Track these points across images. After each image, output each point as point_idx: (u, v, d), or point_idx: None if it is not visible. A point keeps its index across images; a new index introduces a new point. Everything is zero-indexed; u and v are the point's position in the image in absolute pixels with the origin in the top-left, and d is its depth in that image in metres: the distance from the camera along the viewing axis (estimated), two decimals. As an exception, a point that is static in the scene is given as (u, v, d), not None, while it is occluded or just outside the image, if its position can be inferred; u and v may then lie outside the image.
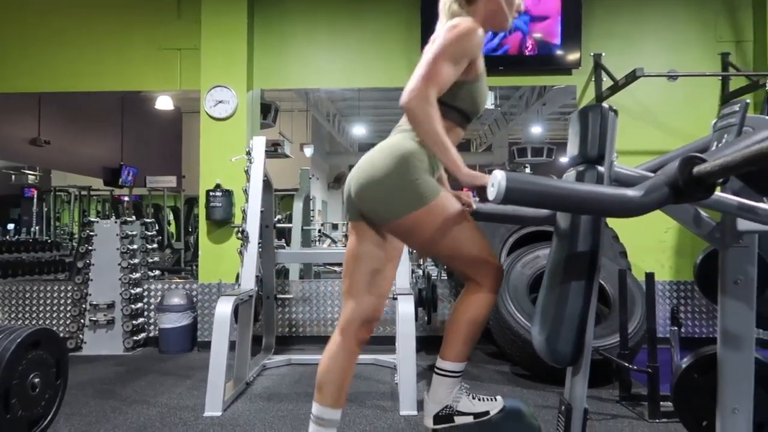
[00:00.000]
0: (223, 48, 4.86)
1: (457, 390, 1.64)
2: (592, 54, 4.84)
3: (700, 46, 4.90)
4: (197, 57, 4.91)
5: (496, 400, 1.66)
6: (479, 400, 1.65)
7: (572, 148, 1.64)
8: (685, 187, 1.20)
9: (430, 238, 1.66)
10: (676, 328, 3.31)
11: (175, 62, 5.05)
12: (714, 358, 1.66)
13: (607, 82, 4.71)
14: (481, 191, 1.59)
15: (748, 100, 1.59)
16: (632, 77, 4.24)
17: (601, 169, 1.55)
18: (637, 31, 4.96)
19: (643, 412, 3.03)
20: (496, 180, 1.18)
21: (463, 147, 16.96)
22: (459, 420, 1.62)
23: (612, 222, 4.36)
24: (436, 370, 1.66)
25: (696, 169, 1.20)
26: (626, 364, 3.15)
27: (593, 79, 4.86)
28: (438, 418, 1.63)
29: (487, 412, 1.62)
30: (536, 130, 12.91)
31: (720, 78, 4.82)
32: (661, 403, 2.97)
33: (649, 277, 3.10)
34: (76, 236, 11.09)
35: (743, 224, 1.50)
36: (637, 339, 3.56)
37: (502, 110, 12.48)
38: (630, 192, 1.24)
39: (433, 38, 1.71)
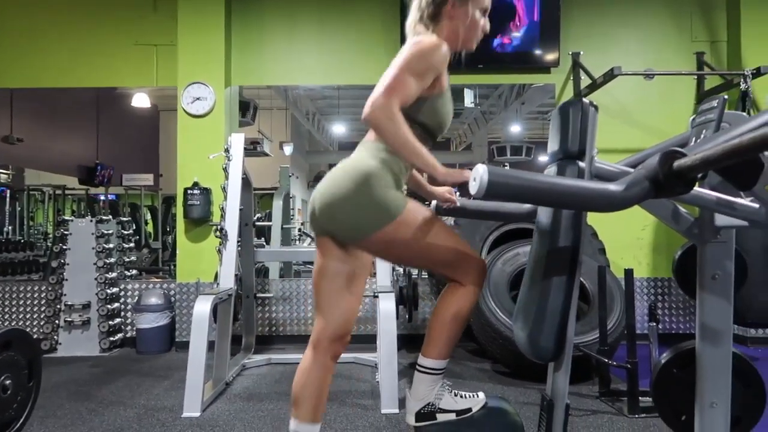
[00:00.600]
0: (201, 44, 4.80)
1: (439, 387, 1.63)
2: (570, 53, 4.88)
3: (676, 46, 4.97)
4: (174, 53, 4.85)
5: (478, 396, 1.65)
6: (461, 397, 1.64)
7: (553, 144, 1.64)
8: (665, 181, 1.20)
9: (404, 251, 1.66)
10: (654, 324, 3.35)
11: (152, 58, 4.98)
12: (692, 353, 1.68)
13: (585, 81, 4.76)
14: (461, 187, 1.58)
15: (726, 96, 1.61)
16: (610, 76, 4.28)
17: (581, 164, 1.55)
18: (614, 31, 5.01)
19: (623, 407, 3.06)
20: (478, 174, 1.17)
21: (443, 146, 17.01)
22: (441, 417, 1.61)
23: (590, 219, 4.39)
24: (417, 367, 1.65)
25: (676, 164, 1.20)
26: (606, 360, 3.17)
27: (572, 78, 4.90)
28: (420, 416, 1.61)
29: (470, 409, 1.62)
30: (515, 129, 12.99)
31: (695, 77, 4.89)
32: (641, 398, 3.00)
33: (628, 273, 3.13)
34: (51, 236, 10.88)
35: (721, 219, 1.51)
36: (616, 335, 3.59)
37: (481, 109, 12.53)
38: (611, 186, 1.24)
39: (402, 49, 1.69)
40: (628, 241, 4.85)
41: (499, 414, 1.65)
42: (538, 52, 4.90)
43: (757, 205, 1.40)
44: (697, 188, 1.64)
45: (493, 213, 2.02)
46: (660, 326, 4.71)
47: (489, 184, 1.16)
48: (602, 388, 3.28)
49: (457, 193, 1.93)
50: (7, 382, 2.07)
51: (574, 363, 3.50)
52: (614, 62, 4.36)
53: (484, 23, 1.76)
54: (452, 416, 1.61)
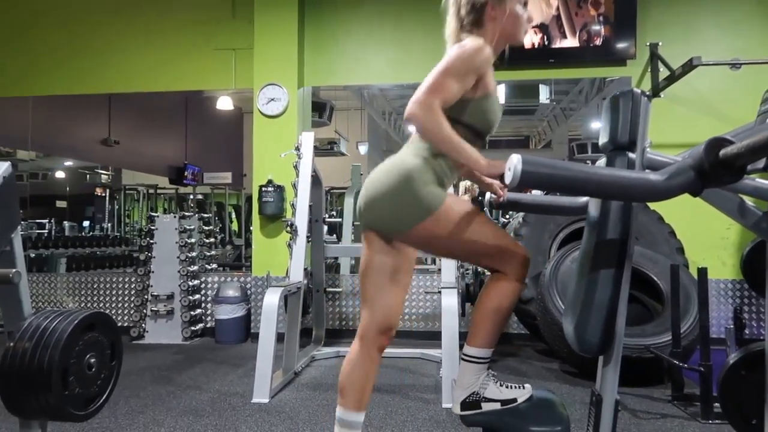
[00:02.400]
0: (275, 47, 4.99)
1: (485, 377, 1.64)
2: (648, 44, 4.68)
3: (765, 32, 4.64)
4: (251, 56, 5.07)
5: (524, 388, 1.65)
6: (507, 387, 1.64)
7: (603, 135, 1.61)
8: (711, 170, 1.17)
9: (445, 243, 1.69)
10: (732, 326, 3.18)
11: (230, 61, 5.23)
12: (762, 355, 1.60)
13: (663, 73, 4.54)
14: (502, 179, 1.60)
15: (792, 82, 1.52)
16: (689, 66, 4.07)
17: (631, 155, 1.52)
18: (695, 19, 4.75)
19: (696, 412, 2.92)
20: (512, 164, 1.18)
21: (522, 143, 16.70)
22: (486, 406, 1.62)
23: (669, 218, 4.21)
24: (462, 356, 1.67)
25: (723, 152, 1.16)
26: (677, 363, 3.04)
27: (649, 70, 4.70)
28: (465, 405, 1.63)
29: (515, 400, 1.62)
30: (596, 125, 12.54)
31: (788, 65, 4.56)
32: (715, 403, 2.85)
33: (702, 272, 2.98)
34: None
35: (790, 212, 1.43)
36: (692, 338, 3.42)
37: (561, 106, 12.20)
38: (653, 176, 1.22)
39: (443, 59, 1.71)
40: (712, 240, 4.60)
41: (545, 406, 1.64)
42: (612, 44, 4.73)
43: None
44: (761, 180, 1.57)
45: (547, 206, 2.01)
46: (746, 332, 4.44)
47: (522, 173, 1.17)
48: (675, 391, 3.15)
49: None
50: (92, 360, 2.26)
51: (646, 365, 3.40)
52: (695, 52, 4.14)
53: (528, 14, 1.75)
54: (497, 406, 1.61)
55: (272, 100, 4.93)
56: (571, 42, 4.77)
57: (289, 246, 3.87)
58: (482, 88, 1.70)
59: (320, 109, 7.87)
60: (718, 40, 4.69)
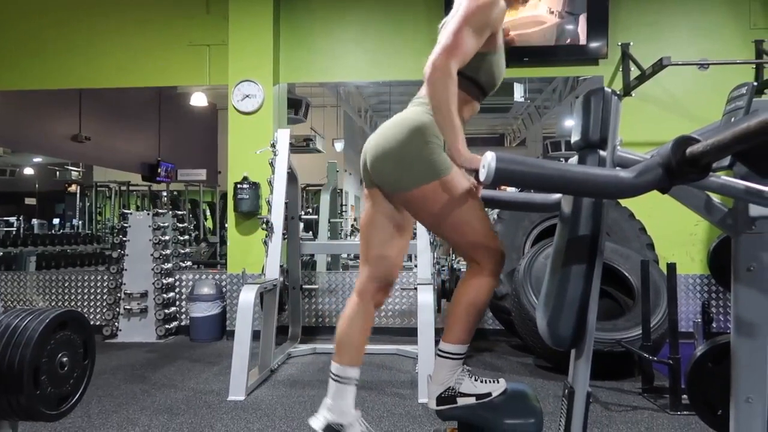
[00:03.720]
0: (250, 43, 4.96)
1: (460, 372, 1.66)
2: (619, 44, 4.77)
3: (732, 34, 4.77)
4: (225, 52, 5.03)
5: (498, 382, 1.67)
6: (482, 381, 1.66)
7: (575, 133, 1.64)
8: (677, 167, 1.20)
9: (438, 213, 1.68)
10: (699, 320, 3.27)
11: (204, 57, 5.18)
12: (728, 347, 1.65)
13: (635, 72, 4.63)
14: (476, 176, 1.62)
15: (756, 83, 1.57)
16: (659, 66, 4.16)
17: (602, 153, 1.55)
18: (666, 19, 4.85)
19: (665, 404, 3.00)
20: (486, 161, 1.20)
21: (497, 141, 16.84)
22: (461, 401, 1.64)
23: (639, 213, 4.29)
24: (438, 352, 1.69)
25: (689, 150, 1.19)
26: (647, 356, 3.11)
27: (621, 70, 4.78)
28: (441, 400, 1.65)
29: (490, 394, 1.64)
30: (570, 123, 12.72)
31: (754, 66, 4.68)
32: (683, 395, 2.93)
33: (671, 267, 3.05)
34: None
35: (756, 210, 1.47)
36: (662, 332, 3.50)
37: (535, 104, 12.33)
38: (622, 173, 1.25)
39: (456, 5, 1.70)
40: (681, 237, 4.71)
41: (519, 399, 1.67)
42: (585, 43, 4.80)
43: (789, 194, 1.37)
44: (726, 177, 1.61)
45: (521, 203, 2.04)
46: (714, 325, 4.55)
47: (496, 170, 1.19)
48: (645, 384, 3.22)
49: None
50: (64, 359, 2.24)
51: (617, 359, 3.47)
52: (665, 52, 4.23)
53: None
54: (472, 400, 1.63)
55: (247, 96, 4.90)
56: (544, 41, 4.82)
57: (265, 243, 3.86)
58: (492, 43, 1.70)
59: (296, 106, 7.83)
60: (687, 41, 4.79)
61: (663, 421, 2.80)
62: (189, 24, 5.21)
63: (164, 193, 12.47)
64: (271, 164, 3.99)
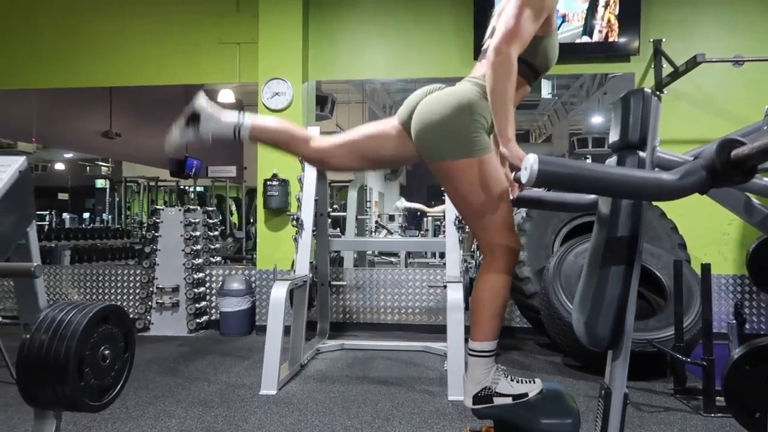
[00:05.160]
0: (280, 41, 5.01)
1: (495, 371, 1.68)
2: (651, 40, 4.70)
3: (766, 29, 4.66)
4: (255, 50, 5.08)
5: (534, 382, 1.68)
6: (518, 382, 1.67)
7: (614, 134, 1.64)
8: (722, 170, 1.20)
9: (466, 192, 1.70)
10: (734, 321, 3.22)
11: (234, 55, 5.24)
12: (766, 350, 1.64)
13: (667, 69, 4.56)
14: (514, 175, 1.63)
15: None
16: (693, 63, 4.10)
17: (642, 154, 1.55)
18: (698, 15, 4.77)
19: (698, 405, 2.96)
20: (528, 163, 1.20)
21: (523, 138, 16.70)
22: (498, 401, 1.65)
23: (671, 213, 4.24)
24: (468, 351, 1.70)
25: (734, 152, 1.19)
26: (680, 357, 3.09)
27: (653, 66, 4.72)
28: (477, 399, 1.66)
29: (526, 394, 1.65)
30: (597, 120, 12.56)
31: (791, 62, 4.58)
32: (717, 397, 2.90)
33: (705, 268, 3.01)
34: (145, 225, 11.65)
35: (796, 211, 1.46)
36: (694, 333, 3.46)
37: (562, 100, 12.21)
38: (665, 175, 1.25)
39: None
40: (713, 236, 4.64)
41: (556, 399, 1.68)
42: (616, 39, 4.75)
43: (829, 196, 1.36)
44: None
45: (554, 203, 2.03)
46: (747, 326, 4.48)
47: (539, 173, 1.20)
48: (677, 385, 3.19)
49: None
50: (106, 352, 2.30)
51: (648, 359, 3.45)
52: (698, 49, 4.17)
53: None
54: (508, 400, 1.64)
55: (277, 94, 4.95)
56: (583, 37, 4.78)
57: (295, 240, 3.90)
58: (548, 26, 1.72)
59: (322, 103, 7.85)
60: (720, 37, 4.71)
61: (696, 423, 2.77)
62: (219, 22, 5.27)
63: (191, 189, 12.65)
64: (301, 161, 4.02)
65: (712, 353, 2.91)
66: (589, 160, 13.46)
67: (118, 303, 5.37)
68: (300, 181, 4.02)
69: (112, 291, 5.41)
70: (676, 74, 4.36)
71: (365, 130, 1.90)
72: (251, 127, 1.88)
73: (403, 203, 7.97)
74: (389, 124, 1.88)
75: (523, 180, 1.24)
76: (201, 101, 1.91)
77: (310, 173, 3.98)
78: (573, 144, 12.92)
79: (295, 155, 2.01)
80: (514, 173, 1.78)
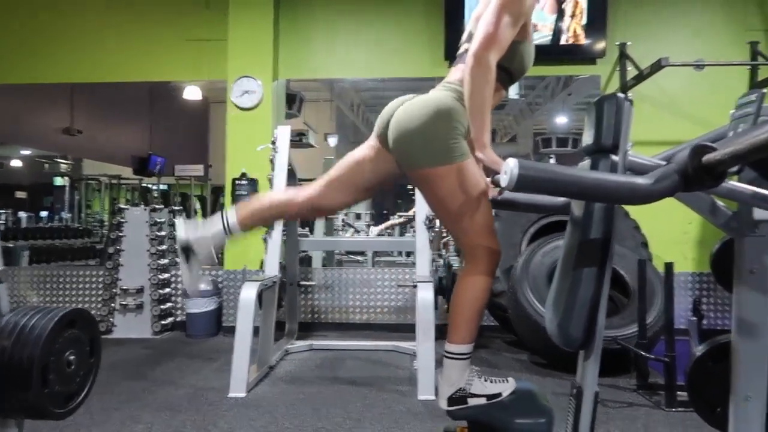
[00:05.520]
0: (250, 39, 4.95)
1: (470, 373, 1.69)
2: (617, 43, 4.80)
3: (728, 35, 4.83)
4: (224, 48, 5.01)
5: (507, 381, 1.70)
6: (491, 382, 1.69)
7: (587, 137, 1.67)
8: (694, 175, 1.23)
9: (446, 198, 1.70)
10: (695, 318, 3.32)
11: (203, 53, 5.16)
12: (728, 347, 1.69)
13: (632, 72, 4.67)
14: (491, 179, 1.64)
15: (765, 90, 1.60)
16: (657, 66, 4.20)
17: (614, 158, 1.58)
18: (662, 20, 4.90)
19: (660, 401, 3.05)
20: (509, 167, 1.22)
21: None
22: (472, 402, 1.66)
23: (634, 213, 4.35)
24: (445, 354, 1.71)
25: (705, 158, 1.22)
26: (643, 353, 3.17)
27: (618, 69, 4.82)
28: (452, 400, 1.67)
29: (500, 394, 1.66)
30: (561, 120, 12.79)
31: (749, 67, 4.74)
32: (678, 392, 2.98)
33: (669, 267, 3.10)
34: (107, 224, 11.37)
35: (759, 213, 1.51)
36: (656, 329, 3.56)
37: (527, 100, 12.38)
38: (640, 180, 1.27)
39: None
40: (674, 235, 4.77)
41: (529, 398, 1.70)
42: (583, 42, 4.84)
43: (793, 199, 1.41)
44: (733, 182, 1.65)
45: (527, 205, 2.06)
46: (705, 322, 4.62)
47: (519, 177, 1.21)
48: (640, 381, 3.27)
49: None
50: (71, 357, 2.24)
51: (612, 356, 3.53)
52: (662, 52, 4.27)
53: None
54: (483, 400, 1.66)
55: (246, 92, 4.89)
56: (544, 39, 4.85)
57: (265, 240, 3.86)
58: (525, 32, 1.74)
59: (290, 101, 7.78)
60: (684, 42, 4.85)
61: (659, 418, 2.85)
62: (188, 19, 5.18)
63: (154, 187, 12.40)
64: (272, 161, 3.99)
65: (674, 350, 2.99)
66: (552, 160, 13.71)
67: (80, 305, 5.22)
68: (270, 180, 3.98)
69: (73, 293, 5.26)
70: (641, 77, 4.47)
71: (345, 162, 1.88)
72: (238, 223, 1.89)
73: (374, 231, 8.02)
74: (367, 146, 1.86)
75: (503, 184, 1.25)
76: (182, 233, 1.90)
77: (281, 173, 3.94)
78: (537, 144, 13.12)
79: (293, 218, 1.98)
80: (491, 177, 1.79)
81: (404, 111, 1.74)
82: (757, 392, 1.56)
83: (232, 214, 1.89)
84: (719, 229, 1.69)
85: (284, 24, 5.11)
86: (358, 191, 1.87)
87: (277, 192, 1.95)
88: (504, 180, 1.25)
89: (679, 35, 4.87)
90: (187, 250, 1.87)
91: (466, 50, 1.76)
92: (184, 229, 1.89)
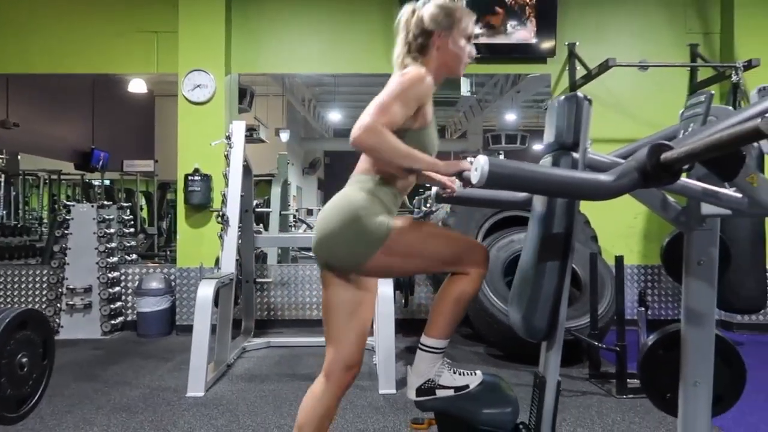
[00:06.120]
0: (201, 31, 4.84)
1: (440, 365, 1.73)
2: (566, 43, 4.95)
3: (670, 37, 5.04)
4: (175, 40, 4.88)
5: (475, 374, 1.75)
6: (459, 374, 1.73)
7: (548, 136, 1.73)
8: (653, 172, 1.29)
9: (407, 265, 1.73)
10: (643, 309, 3.46)
11: (152, 45, 5.01)
12: (678, 335, 1.78)
13: (581, 71, 4.82)
14: (461, 177, 1.67)
15: (713, 91, 1.69)
16: (605, 67, 4.35)
17: (575, 155, 1.64)
18: (610, 22, 5.08)
19: (611, 388, 3.17)
20: (479, 164, 1.25)
21: (438, 133, 17.03)
22: (440, 393, 1.70)
23: (583, 207, 4.49)
24: (420, 346, 1.74)
25: (663, 156, 1.28)
26: (596, 344, 3.29)
27: (567, 68, 4.97)
28: (420, 391, 1.70)
29: (467, 386, 1.71)
30: (510, 117, 13.05)
31: (689, 68, 4.97)
32: (629, 380, 3.12)
33: (619, 260, 3.23)
34: (46, 221, 10.91)
35: (707, 208, 1.59)
36: (607, 320, 3.70)
37: (477, 97, 12.58)
38: (603, 177, 1.33)
39: (386, 85, 1.71)
40: (620, 229, 4.96)
41: (495, 390, 1.75)
42: (534, 42, 4.96)
43: (739, 195, 1.49)
44: (684, 179, 1.74)
45: (488, 201, 2.11)
46: (649, 312, 4.83)
47: (489, 173, 1.25)
48: (592, 370, 3.40)
49: (457, 182, 1.99)
50: (24, 360, 2.17)
51: (565, 346, 3.63)
52: (609, 53, 4.43)
53: (470, 49, 1.80)
54: (450, 392, 1.70)
55: (198, 86, 4.78)
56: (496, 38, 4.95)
57: (221, 237, 3.80)
58: (421, 119, 1.73)
59: (241, 95, 7.67)
60: (629, 43, 5.03)
61: (611, 405, 2.97)
62: (136, 10, 5.02)
63: (96, 183, 11.97)
64: (227, 156, 3.93)
65: (625, 340, 3.12)
66: (501, 156, 13.97)
67: (23, 305, 5.01)
68: (225, 176, 3.91)
69: (15, 293, 5.03)
70: (590, 76, 4.62)
71: (324, 314, 1.80)
72: None
73: None
74: (323, 288, 1.80)
75: (474, 181, 1.28)
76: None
77: (236, 169, 3.88)
78: (487, 140, 13.36)
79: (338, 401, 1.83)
80: (458, 174, 1.81)
81: (320, 219, 1.72)
82: (704, 378, 1.66)
83: None
84: (670, 223, 1.77)
85: (237, 17, 5.02)
86: (355, 320, 1.74)
87: (313, 398, 1.77)
88: (475, 176, 1.29)
89: (625, 37, 5.06)
90: None
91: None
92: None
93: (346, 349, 1.75)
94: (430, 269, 1.75)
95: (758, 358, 3.90)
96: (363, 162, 1.77)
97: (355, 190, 1.72)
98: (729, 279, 2.58)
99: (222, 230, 3.80)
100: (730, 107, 4.06)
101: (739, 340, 4.35)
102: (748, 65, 4.35)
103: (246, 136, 7.19)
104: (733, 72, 4.41)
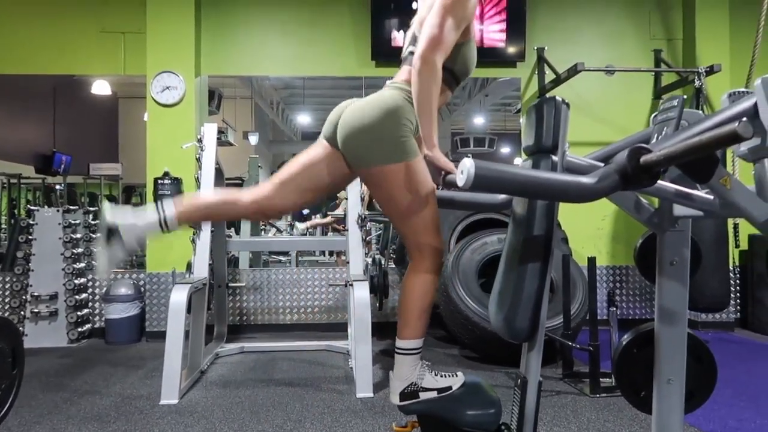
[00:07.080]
0: (170, 32, 4.76)
1: (420, 368, 1.73)
2: (535, 47, 5.02)
3: (635, 43, 5.17)
4: (142, 41, 4.79)
5: (457, 375, 1.76)
6: (442, 376, 1.74)
7: (528, 139, 1.75)
8: (633, 174, 1.32)
9: (395, 196, 1.72)
10: (614, 309, 3.54)
11: (119, 46, 4.91)
12: (651, 334, 1.82)
13: (550, 75, 4.90)
14: (442, 178, 1.69)
15: (684, 96, 1.74)
16: (574, 71, 4.44)
17: (554, 158, 1.66)
18: (578, 27, 5.19)
19: (584, 388, 3.23)
20: (465, 167, 1.26)
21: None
22: (423, 396, 1.71)
23: (554, 209, 4.56)
24: (396, 350, 1.74)
25: (643, 159, 1.31)
26: (569, 344, 3.34)
27: (537, 72, 5.05)
28: (404, 395, 1.71)
29: (450, 387, 1.72)
30: (479, 120, 13.19)
31: (653, 73, 5.10)
32: (601, 379, 3.18)
33: (591, 261, 3.29)
34: (5, 226, 10.58)
35: (679, 210, 1.63)
36: (579, 320, 3.77)
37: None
38: (585, 179, 1.35)
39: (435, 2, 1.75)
40: (590, 231, 5.06)
41: (477, 391, 1.77)
42: (504, 46, 5.02)
43: (711, 197, 1.54)
44: (659, 181, 1.78)
45: (466, 203, 2.12)
46: (618, 312, 4.94)
47: (476, 177, 1.26)
48: (566, 370, 3.45)
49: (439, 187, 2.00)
50: (-8, 370, 2.07)
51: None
52: (578, 58, 4.52)
53: None
54: (434, 394, 1.71)
55: (168, 88, 4.70)
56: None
57: (193, 241, 3.75)
58: (467, 33, 1.78)
59: (209, 98, 7.59)
60: (596, 48, 5.15)
61: (585, 404, 3.02)
62: (102, 9, 4.91)
63: (58, 186, 11.67)
64: (198, 159, 3.87)
65: (598, 340, 3.18)
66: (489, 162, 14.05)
67: (-16, 314, 4.84)
68: (197, 179, 3.86)
69: (-24, 301, 4.87)
70: (558, 81, 4.70)
71: (296, 163, 1.85)
72: (177, 215, 1.77)
73: (299, 227, 7.97)
74: (318, 146, 1.85)
75: (460, 183, 1.29)
76: (110, 214, 1.76)
77: (208, 172, 3.83)
78: (456, 143, 13.47)
79: (237, 219, 1.90)
80: (441, 176, 1.82)
81: (353, 111, 1.74)
82: (677, 375, 1.70)
83: (169, 206, 1.77)
84: (643, 224, 1.82)
85: (207, 18, 4.96)
86: (310, 192, 1.83)
87: (220, 190, 1.86)
88: (461, 179, 1.30)
89: (593, 42, 5.17)
90: (113, 234, 1.75)
91: (411, 53, 1.79)
92: (112, 213, 1.77)
93: (277, 201, 1.81)
94: (403, 222, 1.75)
95: (724, 355, 4.02)
96: (405, 73, 1.80)
97: (398, 96, 1.75)
98: (697, 280, 2.65)
99: (194, 234, 3.74)
100: (699, 111, 4.19)
101: (705, 338, 4.46)
102: (710, 71, 4.49)
103: (215, 138, 7.01)
104: (696, 77, 4.54)
